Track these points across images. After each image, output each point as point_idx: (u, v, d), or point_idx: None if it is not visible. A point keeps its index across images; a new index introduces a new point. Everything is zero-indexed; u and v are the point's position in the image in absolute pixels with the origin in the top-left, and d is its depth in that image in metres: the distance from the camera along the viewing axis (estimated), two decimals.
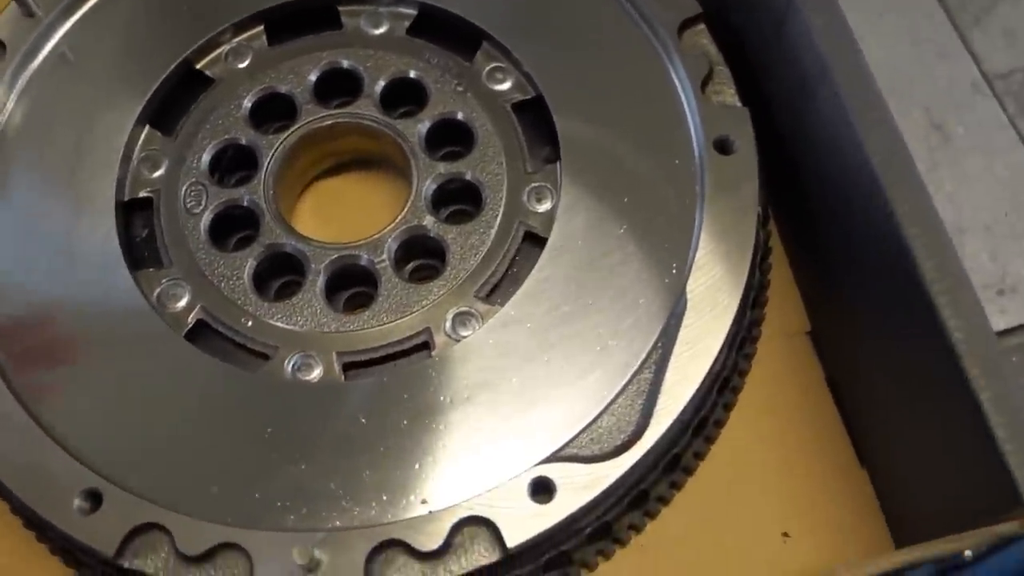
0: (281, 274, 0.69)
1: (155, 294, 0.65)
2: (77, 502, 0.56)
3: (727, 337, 0.60)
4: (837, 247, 0.66)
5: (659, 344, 0.60)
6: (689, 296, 0.60)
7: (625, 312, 0.61)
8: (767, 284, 0.69)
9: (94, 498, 0.56)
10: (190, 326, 0.64)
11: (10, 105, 0.69)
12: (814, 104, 0.62)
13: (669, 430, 0.57)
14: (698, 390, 0.58)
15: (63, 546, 0.59)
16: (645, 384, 0.59)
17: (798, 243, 0.73)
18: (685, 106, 0.67)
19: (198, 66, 0.73)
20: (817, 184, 0.66)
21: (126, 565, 0.55)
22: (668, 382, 0.58)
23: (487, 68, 0.72)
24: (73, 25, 0.72)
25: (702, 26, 0.70)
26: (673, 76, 0.68)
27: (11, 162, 0.67)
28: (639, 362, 0.60)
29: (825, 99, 0.60)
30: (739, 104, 0.67)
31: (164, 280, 0.66)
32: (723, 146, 0.64)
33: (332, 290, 0.67)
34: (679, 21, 0.69)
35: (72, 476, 0.57)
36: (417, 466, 0.58)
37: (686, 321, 0.60)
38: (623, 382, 0.59)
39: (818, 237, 0.69)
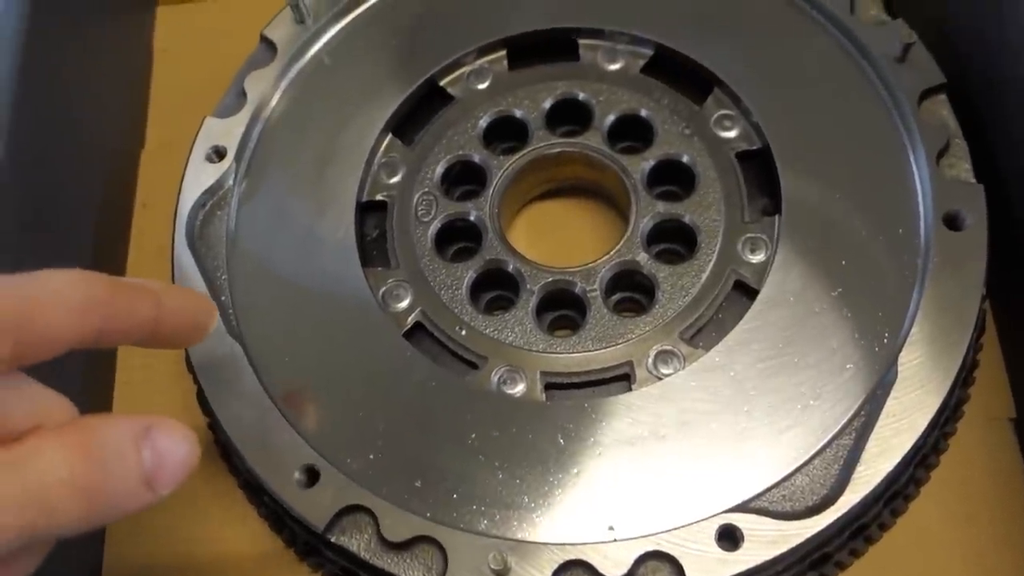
0: (494, 288, 0.72)
1: (380, 293, 0.70)
2: (297, 475, 0.61)
3: (934, 416, 0.59)
4: None
5: (863, 412, 0.60)
6: (900, 368, 0.60)
7: (831, 374, 0.62)
8: (977, 365, 0.68)
9: (312, 474, 0.61)
10: (408, 327, 0.69)
11: (275, 100, 0.76)
12: None
13: (864, 499, 0.58)
14: (898, 464, 0.58)
15: (275, 512, 0.64)
16: (844, 450, 0.60)
17: (1012, 327, 0.71)
18: (916, 176, 0.67)
19: (441, 83, 0.77)
20: None
21: (332, 540, 0.60)
22: (869, 452, 0.58)
23: (716, 114, 0.73)
24: (335, 34, 0.78)
25: (943, 96, 0.69)
26: (907, 144, 0.68)
27: (271, 153, 0.74)
28: (840, 426, 0.60)
29: None
30: (973, 180, 0.66)
31: (390, 280, 0.70)
32: (953, 222, 0.64)
33: (540, 310, 0.70)
34: (920, 89, 0.68)
35: (295, 451, 0.62)
36: (608, 493, 0.60)
37: (894, 393, 0.60)
38: (821, 444, 0.60)
39: None
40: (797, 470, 0.59)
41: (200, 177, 0.72)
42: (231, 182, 0.72)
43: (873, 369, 0.61)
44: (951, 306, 0.62)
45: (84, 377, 0.75)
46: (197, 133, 0.74)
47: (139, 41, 0.92)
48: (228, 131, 0.73)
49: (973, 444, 0.68)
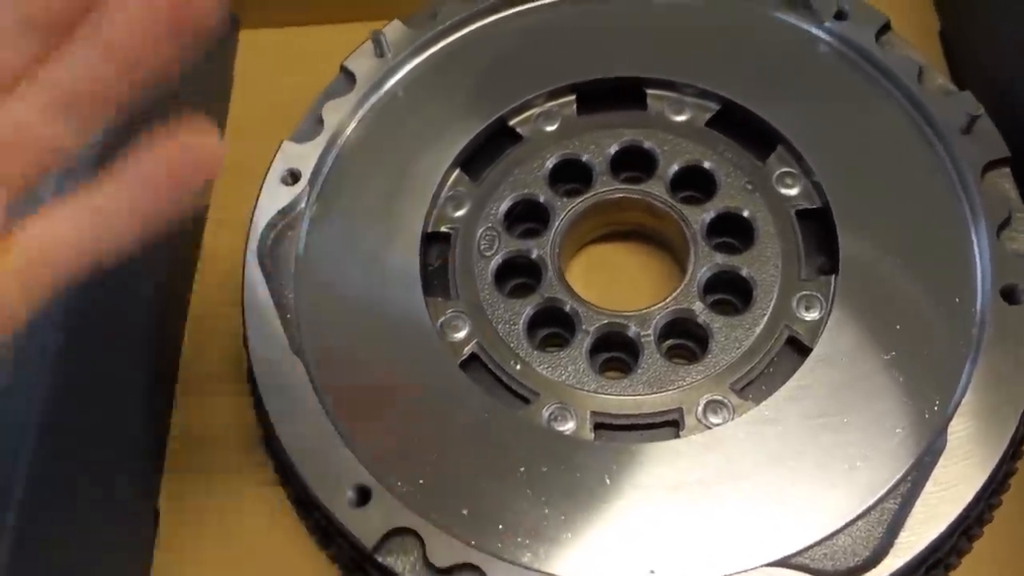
0: (549, 325, 0.74)
1: (439, 322, 0.72)
2: (349, 494, 0.63)
3: (982, 487, 0.60)
4: None
5: (909, 477, 0.61)
6: (950, 437, 0.61)
7: (879, 437, 0.63)
8: None
9: (363, 494, 0.63)
10: (464, 357, 0.71)
11: (350, 129, 0.78)
12: None
13: (906, 565, 0.58)
14: (943, 533, 0.59)
15: (323, 528, 0.66)
16: (888, 514, 0.60)
17: None
18: (976, 247, 0.67)
19: (511, 123, 0.80)
20: None
21: (380, 560, 0.61)
22: (914, 518, 0.59)
23: (778, 171, 0.75)
24: (412, 69, 0.81)
25: (1007, 169, 0.70)
26: (968, 214, 0.69)
27: (343, 179, 0.76)
28: (886, 489, 0.61)
29: None
30: None
31: (449, 311, 0.72)
32: (1011, 295, 0.64)
33: (593, 351, 0.72)
34: (985, 161, 0.69)
35: (348, 470, 0.64)
36: (650, 537, 0.61)
37: (942, 461, 0.60)
38: (866, 506, 0.60)
39: None
40: (840, 529, 0.60)
41: (274, 198, 0.74)
42: (303, 205, 0.75)
43: (922, 435, 0.62)
44: (1004, 379, 0.62)
45: (147, 375, 0.77)
46: (274, 155, 0.77)
47: (221, 64, 0.96)
48: (304, 155, 0.76)
49: (1018, 518, 0.68)
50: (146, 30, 0.43)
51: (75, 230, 0.43)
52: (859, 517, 0.60)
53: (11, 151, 0.42)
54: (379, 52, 0.80)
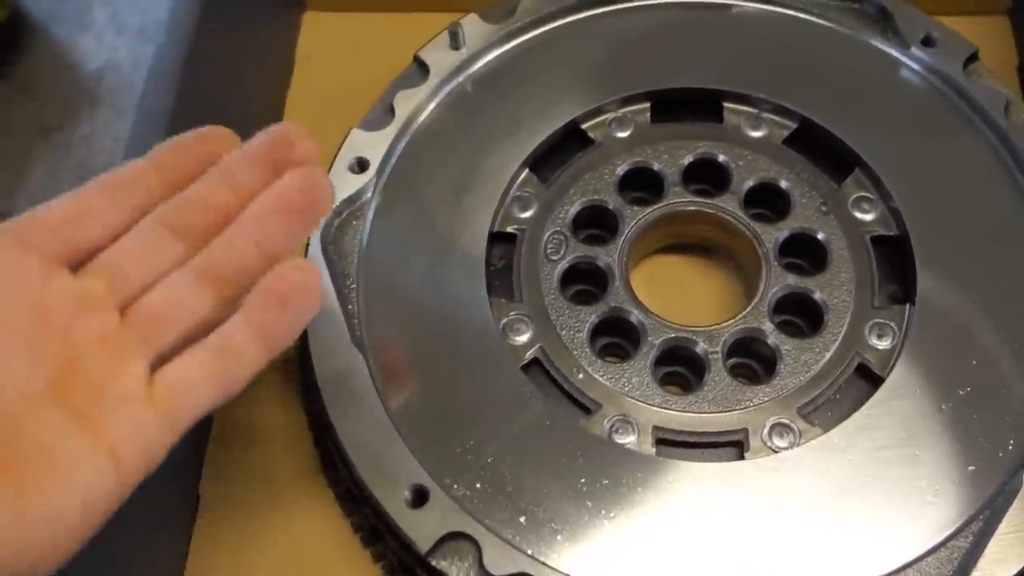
0: (612, 335, 0.72)
1: (502, 324, 0.70)
2: (406, 494, 0.62)
3: None
4: None
5: (982, 516, 0.60)
6: None
7: (951, 473, 0.61)
8: None
9: (420, 495, 0.61)
10: (526, 361, 0.69)
11: (421, 120, 0.77)
12: None
13: None
14: (1016, 575, 0.57)
15: (372, 526, 0.65)
16: (959, 552, 0.59)
17: None
18: None
19: (583, 126, 0.78)
20: None
21: (434, 564, 0.60)
22: (987, 558, 0.58)
23: (855, 195, 0.74)
24: (486, 63, 0.80)
25: None
26: None
27: (411, 172, 0.75)
28: (956, 527, 0.59)
29: None
30: None
31: (512, 313, 0.71)
32: None
33: (656, 364, 0.70)
34: None
35: (406, 469, 0.62)
36: (708, 558, 0.60)
37: (1018, 502, 0.59)
38: (936, 542, 0.59)
39: None
40: (909, 564, 0.59)
41: (342, 185, 0.73)
42: (370, 194, 0.74)
43: (995, 474, 0.61)
44: None
45: None
46: (342, 143, 0.75)
47: (284, 44, 0.94)
48: (373, 144, 0.75)
49: None
50: (281, 222, 0.53)
51: (210, 371, 0.50)
52: (928, 553, 0.59)
53: (165, 322, 0.50)
54: (454, 45, 0.79)
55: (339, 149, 0.75)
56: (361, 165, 0.74)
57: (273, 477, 0.74)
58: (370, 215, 0.73)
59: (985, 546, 0.58)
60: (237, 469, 0.75)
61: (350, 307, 0.69)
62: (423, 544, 0.60)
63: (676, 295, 0.78)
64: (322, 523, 0.72)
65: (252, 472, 0.75)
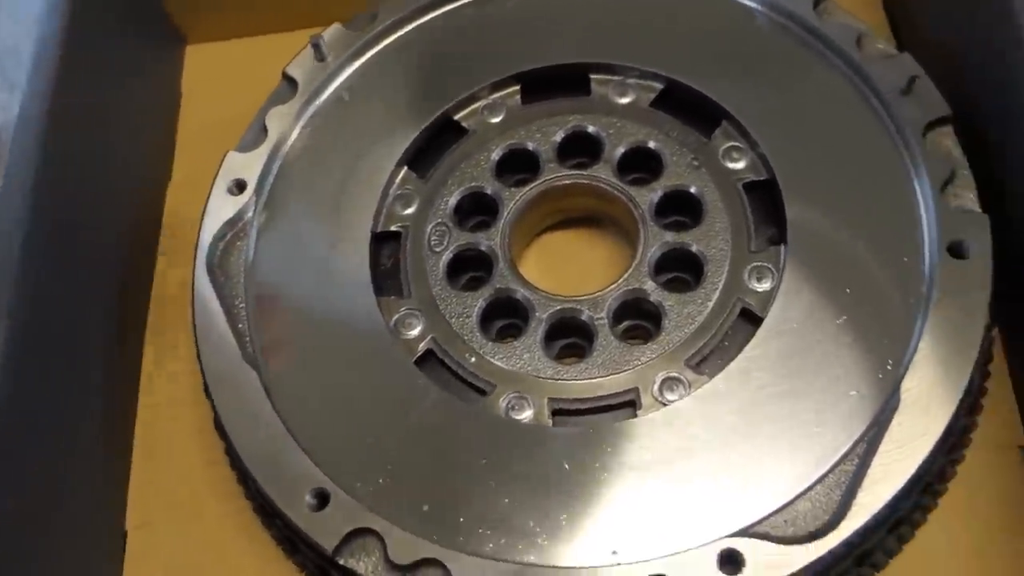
0: (503, 316, 0.74)
1: (393, 320, 0.71)
2: (308, 499, 0.62)
3: (937, 442, 0.59)
4: None
5: (866, 438, 0.61)
6: (903, 395, 0.60)
7: (834, 401, 0.62)
8: (985, 392, 0.68)
9: (322, 498, 0.62)
10: (419, 354, 0.70)
11: (294, 135, 0.78)
12: None
13: (865, 525, 0.58)
14: (900, 491, 0.58)
15: (287, 535, 0.66)
16: (846, 476, 0.60)
17: (1021, 355, 0.71)
18: (921, 206, 0.67)
19: (456, 117, 0.79)
20: None
21: (341, 562, 0.61)
22: (871, 478, 0.59)
23: (724, 146, 0.75)
24: (353, 71, 0.81)
25: (949, 128, 0.70)
26: (912, 174, 0.68)
27: (289, 186, 0.76)
28: (843, 452, 0.60)
29: None
30: (978, 210, 0.67)
31: (403, 308, 0.72)
32: (957, 251, 0.64)
33: (548, 338, 0.71)
34: (926, 121, 0.69)
35: (306, 475, 0.63)
36: (611, 517, 0.61)
37: (897, 419, 0.60)
38: (824, 470, 0.60)
39: None
40: (799, 496, 0.59)
41: (221, 209, 0.74)
42: (251, 214, 0.75)
43: (876, 396, 0.62)
44: (954, 334, 0.62)
45: (106, 398, 0.77)
46: (219, 167, 0.76)
47: (168, 78, 0.96)
48: (248, 165, 0.76)
49: (982, 471, 0.68)
50: None
51: None
52: (817, 482, 0.60)
53: None
54: (319, 57, 0.80)
55: (216, 174, 0.76)
56: (239, 186, 0.75)
57: (196, 500, 0.75)
58: (253, 233, 0.74)
59: (869, 467, 0.59)
60: (160, 500, 0.76)
61: (240, 326, 0.70)
62: (328, 544, 0.61)
63: (568, 269, 0.80)
64: (246, 541, 0.73)
65: (175, 500, 0.76)
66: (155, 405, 0.79)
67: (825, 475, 0.60)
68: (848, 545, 0.58)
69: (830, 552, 0.57)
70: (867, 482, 0.58)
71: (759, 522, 0.59)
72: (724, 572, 0.57)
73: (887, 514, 0.59)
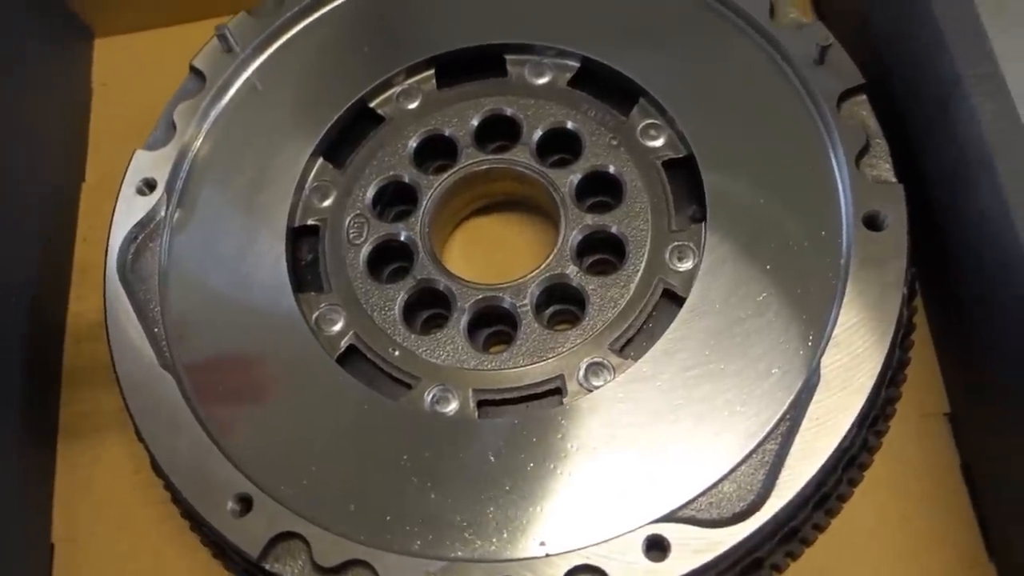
0: (428, 307, 0.73)
1: (314, 317, 0.70)
2: (230, 504, 0.61)
3: (858, 416, 0.59)
4: (983, 332, 0.65)
5: (788, 416, 0.61)
6: (823, 371, 0.60)
7: (757, 380, 0.62)
8: (907, 362, 0.68)
9: (245, 503, 0.61)
10: (342, 350, 0.69)
11: (205, 130, 0.76)
12: (974, 192, 0.61)
13: (789, 503, 0.58)
14: (823, 467, 0.58)
15: (213, 540, 0.65)
16: (770, 455, 0.60)
17: (942, 324, 0.71)
18: (838, 178, 0.67)
19: (371, 104, 0.78)
20: (967, 269, 0.65)
21: (267, 567, 0.60)
22: (793, 455, 0.59)
23: (642, 124, 0.74)
24: (264, 60, 0.79)
25: (863, 97, 0.69)
26: (828, 146, 0.68)
27: (202, 183, 0.74)
28: (766, 432, 0.60)
29: (986, 189, 0.59)
30: (894, 180, 0.66)
31: (323, 305, 0.71)
32: (873, 222, 0.64)
33: (473, 328, 0.70)
34: (840, 91, 0.69)
35: (229, 480, 0.62)
36: (539, 509, 0.61)
37: (817, 396, 0.60)
38: (748, 450, 0.60)
39: (963, 321, 0.68)
40: (723, 477, 0.59)
41: (131, 210, 0.72)
42: (163, 214, 0.73)
43: (798, 373, 0.62)
44: (872, 306, 0.62)
45: (28, 405, 0.75)
46: (127, 166, 0.74)
47: (78, 74, 0.93)
48: (158, 163, 0.74)
49: (908, 441, 0.69)
50: None
51: None
52: (741, 463, 0.60)
53: None
54: (226, 47, 0.78)
55: (124, 174, 0.74)
56: (149, 186, 0.73)
57: (124, 509, 0.74)
58: (166, 234, 0.72)
59: (791, 445, 0.59)
60: (87, 510, 0.75)
61: (156, 330, 0.68)
62: (253, 550, 0.60)
63: (494, 256, 0.79)
64: (177, 547, 0.72)
65: (102, 510, 0.74)
66: (79, 413, 0.77)
67: (748, 456, 0.60)
68: (774, 524, 0.58)
69: (755, 532, 0.57)
70: (790, 460, 0.58)
71: (684, 506, 0.59)
72: (650, 558, 0.57)
73: (811, 491, 0.59)
